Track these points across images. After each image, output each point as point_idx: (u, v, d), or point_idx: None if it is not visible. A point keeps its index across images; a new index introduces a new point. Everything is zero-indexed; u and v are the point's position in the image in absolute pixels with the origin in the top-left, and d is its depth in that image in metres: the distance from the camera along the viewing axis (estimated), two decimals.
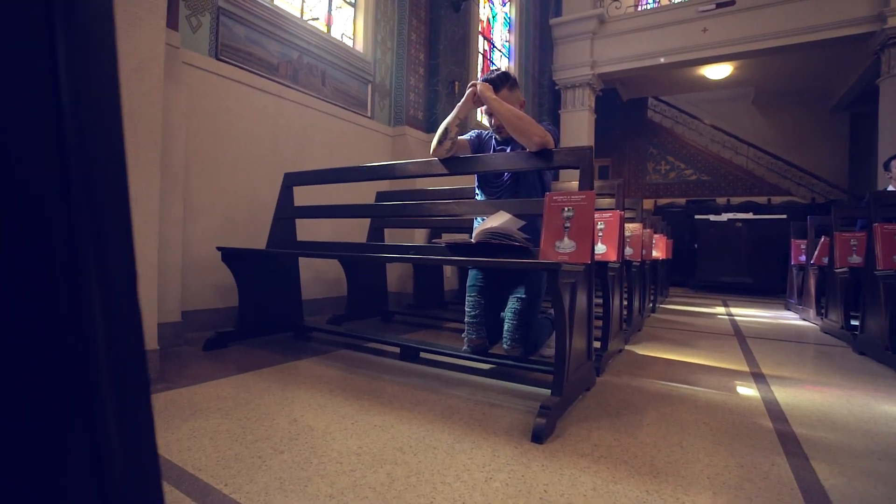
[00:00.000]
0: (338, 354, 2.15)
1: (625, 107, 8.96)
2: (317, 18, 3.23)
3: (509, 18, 6.23)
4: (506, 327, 1.78)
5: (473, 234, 1.64)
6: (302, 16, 3.12)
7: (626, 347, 2.54)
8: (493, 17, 5.81)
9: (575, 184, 2.54)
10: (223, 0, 2.51)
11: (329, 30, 3.36)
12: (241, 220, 2.64)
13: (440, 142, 1.84)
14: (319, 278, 3.18)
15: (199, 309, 2.44)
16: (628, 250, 2.74)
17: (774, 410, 1.58)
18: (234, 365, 1.89)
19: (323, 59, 3.19)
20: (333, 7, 3.39)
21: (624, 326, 2.61)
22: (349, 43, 3.55)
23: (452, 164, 1.89)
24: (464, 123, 1.84)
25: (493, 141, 1.98)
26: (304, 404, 1.45)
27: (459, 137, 1.93)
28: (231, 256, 2.17)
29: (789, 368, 2.19)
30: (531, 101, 6.49)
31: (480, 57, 5.18)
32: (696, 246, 6.81)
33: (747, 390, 1.81)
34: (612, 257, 2.08)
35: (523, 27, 6.35)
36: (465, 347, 1.88)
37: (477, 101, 1.77)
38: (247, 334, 2.29)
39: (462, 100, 1.78)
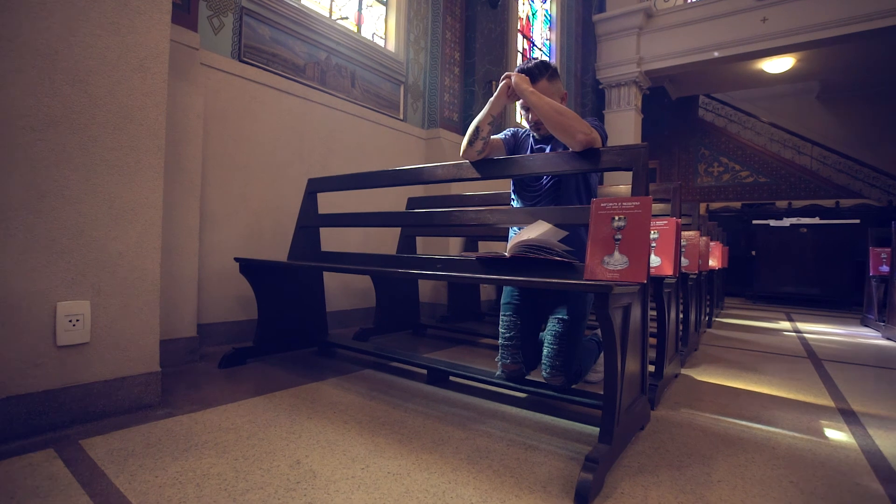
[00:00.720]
0: (361, 375, 1.98)
1: (674, 105, 8.45)
2: (346, 18, 3.11)
3: (550, 15, 5.96)
4: (545, 352, 1.55)
5: (508, 247, 1.43)
6: (330, 15, 3.01)
7: (683, 371, 2.24)
8: (533, 14, 5.57)
9: (623, 188, 2.28)
10: (247, 0, 2.42)
11: (359, 29, 3.23)
12: (266, 228, 2.54)
13: (471, 142, 1.64)
14: (347, 288, 3.04)
15: (221, 321, 2.35)
16: (684, 261, 2.44)
17: (882, 467, 1.27)
18: (246, 386, 1.76)
19: (352, 60, 3.07)
20: (364, 6, 3.26)
21: (679, 346, 2.31)
22: (380, 42, 3.42)
23: (485, 168, 1.68)
24: (497, 121, 1.63)
25: (531, 140, 1.76)
26: (312, 440, 1.27)
27: (493, 137, 1.73)
28: (249, 268, 2.05)
29: (886, 404, 1.84)
30: (574, 100, 6.19)
31: (519, 56, 4.95)
32: (753, 253, 6.27)
33: (838, 434, 1.50)
34: (668, 271, 1.81)
35: (565, 24, 6.07)
36: (498, 373, 1.67)
37: (512, 94, 1.56)
38: (266, 350, 2.16)
39: (495, 94, 1.57)
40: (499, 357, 1.66)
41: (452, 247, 3.53)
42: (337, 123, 2.94)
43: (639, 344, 1.31)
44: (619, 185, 2.27)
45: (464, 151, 1.67)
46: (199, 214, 2.13)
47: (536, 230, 1.43)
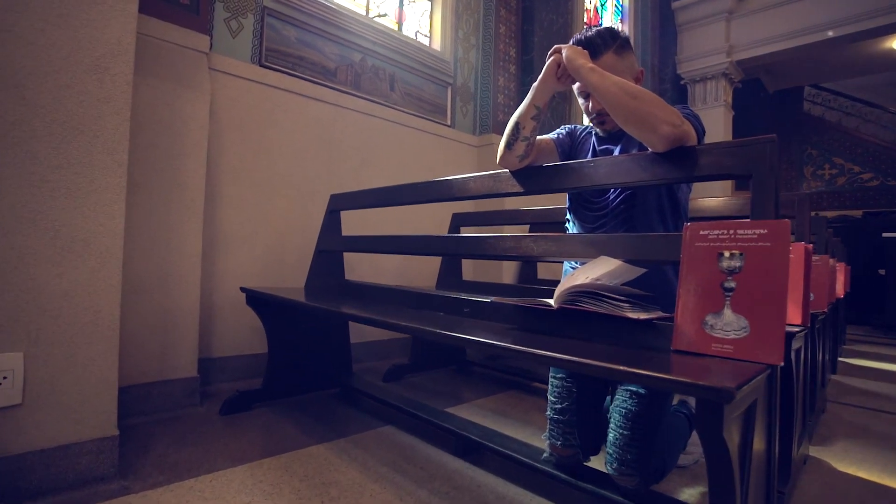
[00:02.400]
0: (379, 434, 1.62)
1: (771, 100, 7.38)
2: (384, 15, 2.82)
3: (621, 6, 5.36)
4: (612, 438, 1.08)
5: (557, 292, 0.99)
6: (367, 13, 2.73)
7: (812, 451, 1.64)
8: (602, 5, 5.02)
9: (720, 201, 1.73)
10: (270, 0, 2.20)
11: (400, 27, 2.93)
12: (289, 250, 2.28)
13: (509, 145, 1.22)
14: None
15: (237, 354, 2.10)
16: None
17: None
18: (240, 444, 1.45)
19: (392, 61, 2.77)
20: (405, 2, 2.96)
21: (805, 413, 1.70)
22: (424, 41, 3.09)
23: (528, 179, 1.26)
24: (544, 118, 1.20)
25: (594, 139, 1.31)
26: None
27: (541, 137, 1.30)
28: (256, 300, 1.77)
29: None
30: None
31: None
32: (882, 272, 5.17)
33: None
34: (796, 319, 1.27)
35: (639, 15, 5.43)
36: (546, 454, 1.23)
37: (563, 75, 1.13)
38: (277, 393, 1.87)
39: (540, 76, 1.15)
40: (546, 434, 1.22)
41: (506, 270, 3.10)
42: (372, 131, 2.65)
43: (765, 463, 0.81)
44: (721, 197, 1.73)
45: (501, 157, 1.26)
46: (203, 237, 1.89)
47: (599, 268, 0.99)
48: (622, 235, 1.02)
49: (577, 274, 1.00)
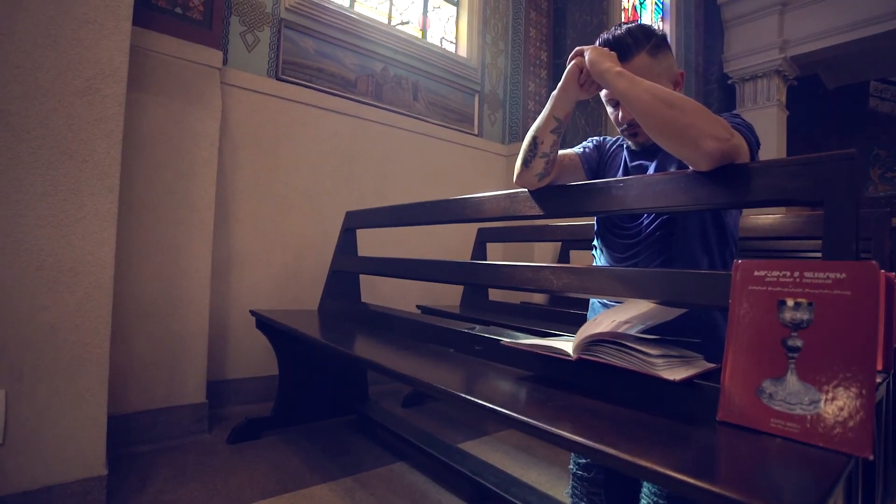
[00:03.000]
0: (389, 473, 1.50)
1: (832, 97, 6.82)
2: (407, 23, 2.73)
3: (662, 3, 5.08)
4: None
5: (576, 338, 0.84)
6: (389, 21, 2.65)
7: None
8: (641, 3, 4.76)
9: (776, 218, 1.51)
10: (288, 11, 2.14)
11: (424, 35, 2.83)
12: (306, 267, 2.20)
13: (526, 162, 1.08)
14: None
15: (252, 376, 2.04)
16: None
17: None
18: (241, 481, 1.37)
19: (415, 70, 2.67)
20: (430, 8, 2.86)
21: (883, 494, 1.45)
22: (450, 48, 2.98)
23: (549, 200, 1.11)
24: (565, 129, 1.05)
25: (625, 153, 1.14)
26: None
27: (564, 152, 1.15)
28: (265, 325, 1.69)
29: None
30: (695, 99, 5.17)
31: None
32: None
33: None
34: (877, 364, 1.05)
35: (681, 12, 5.13)
36: None
37: (587, 81, 0.97)
38: (288, 421, 1.79)
39: (560, 83, 1.00)
40: (569, 491, 1.06)
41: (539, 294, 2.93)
42: (394, 143, 2.55)
43: None
44: (775, 214, 1.52)
45: (517, 176, 1.11)
46: (218, 256, 1.85)
47: (629, 311, 0.83)
48: (656, 272, 0.85)
49: (602, 318, 0.84)
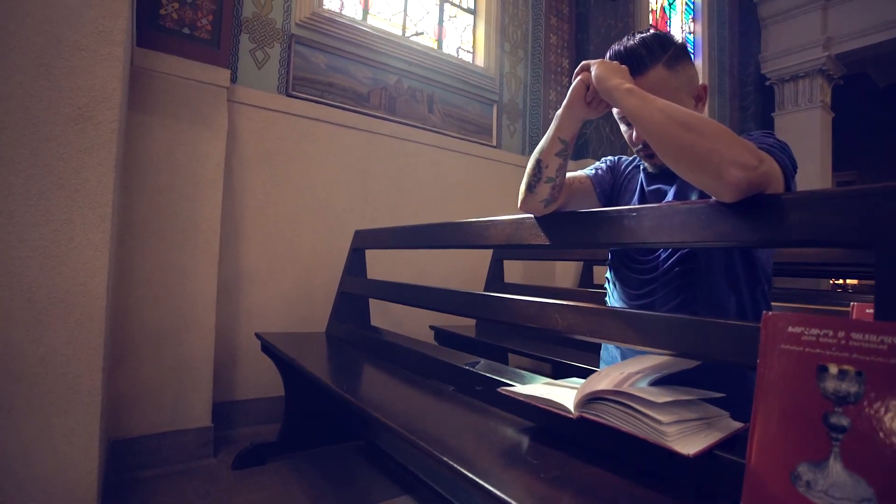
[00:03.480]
0: None
1: (882, 96, 6.39)
2: (421, 34, 2.68)
3: (693, 3, 4.87)
4: None
5: (578, 393, 0.74)
6: (403, 33, 2.60)
7: None
8: (671, 4, 4.57)
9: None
10: (299, 27, 2.12)
11: (440, 45, 2.78)
12: (318, 286, 2.17)
13: (530, 187, 0.99)
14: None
15: (262, 396, 2.01)
16: None
17: None
18: None
19: (430, 81, 2.61)
20: (445, 17, 2.80)
21: None
22: (467, 58, 2.91)
23: (556, 228, 1.02)
24: (572, 150, 0.96)
25: (642, 175, 1.04)
26: None
27: (573, 175, 1.06)
28: (269, 349, 1.65)
29: None
30: (729, 104, 4.93)
31: None
32: None
33: None
34: None
35: (713, 11, 4.90)
36: None
37: (595, 99, 0.88)
38: (294, 446, 1.74)
39: (565, 101, 0.91)
40: None
41: (561, 274, 2.84)
42: (409, 157, 2.50)
43: None
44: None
45: (522, 201, 1.03)
46: (228, 275, 1.84)
47: (637, 364, 0.73)
48: (672, 319, 0.75)
49: (611, 370, 0.74)
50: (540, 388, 0.85)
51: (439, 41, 2.75)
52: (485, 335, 2.08)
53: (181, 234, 1.59)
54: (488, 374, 1.03)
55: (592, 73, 0.85)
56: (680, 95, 0.89)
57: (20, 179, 1.02)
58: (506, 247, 1.13)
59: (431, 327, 2.27)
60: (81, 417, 1.09)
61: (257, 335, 1.69)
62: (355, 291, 1.81)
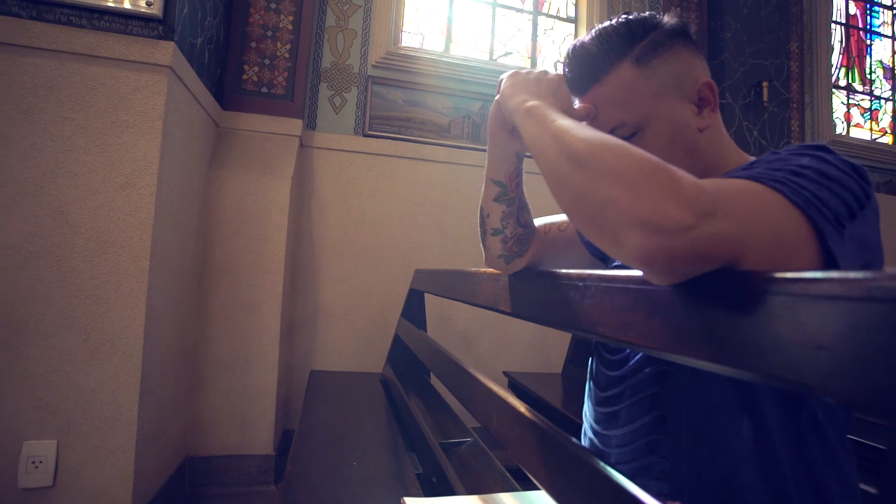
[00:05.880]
0: None
1: None
2: (510, 53, 2.50)
3: None
4: None
5: None
6: (491, 56, 2.47)
7: None
8: None
9: None
10: (375, 68, 2.19)
11: (534, 62, 2.54)
12: (392, 322, 2.16)
13: (482, 241, 0.80)
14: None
15: None
16: None
17: None
18: None
19: None
20: (540, 31, 2.57)
21: None
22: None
23: (518, 295, 0.79)
24: (517, 195, 0.73)
25: None
26: None
27: (552, 220, 0.83)
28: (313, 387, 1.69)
29: None
30: None
31: (839, 35, 3.06)
32: None
33: None
34: None
35: None
36: None
37: (509, 127, 0.65)
38: None
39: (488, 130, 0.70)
40: None
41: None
42: None
43: None
44: None
45: (485, 258, 0.83)
46: (305, 312, 1.98)
47: None
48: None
49: None
50: None
51: (532, 58, 2.54)
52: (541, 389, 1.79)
53: (248, 276, 1.76)
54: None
55: (501, 84, 0.62)
56: (663, 102, 0.60)
57: (83, 240, 1.24)
58: (492, 308, 0.92)
59: (505, 374, 2.06)
60: (121, 442, 1.25)
61: (312, 372, 1.75)
62: (404, 338, 1.74)
